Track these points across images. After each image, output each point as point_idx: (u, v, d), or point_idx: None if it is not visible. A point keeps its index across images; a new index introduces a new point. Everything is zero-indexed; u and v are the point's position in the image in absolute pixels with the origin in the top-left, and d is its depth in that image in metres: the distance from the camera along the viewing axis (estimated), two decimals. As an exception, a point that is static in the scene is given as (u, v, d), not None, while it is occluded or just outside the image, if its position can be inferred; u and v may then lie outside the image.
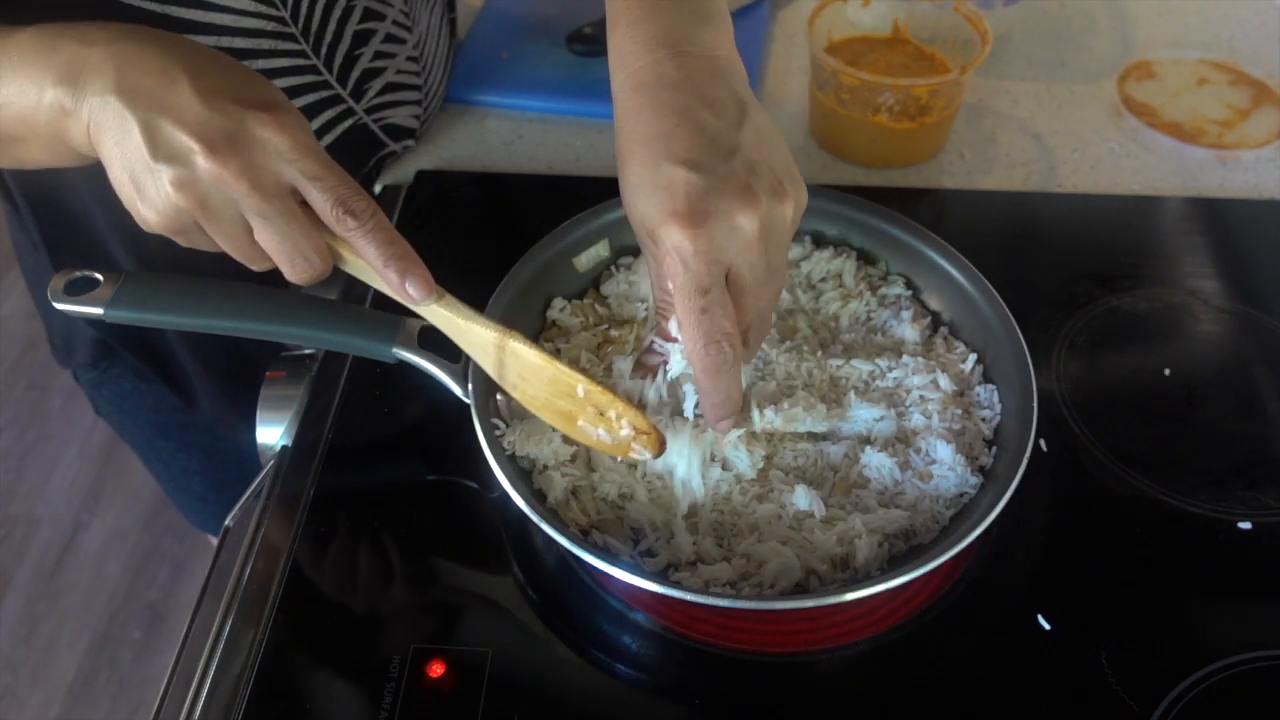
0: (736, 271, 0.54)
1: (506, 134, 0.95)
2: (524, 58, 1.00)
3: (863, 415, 0.65)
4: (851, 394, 0.66)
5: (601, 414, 0.59)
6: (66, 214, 0.79)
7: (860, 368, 0.68)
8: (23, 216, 0.82)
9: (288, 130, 0.50)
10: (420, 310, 0.58)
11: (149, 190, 0.50)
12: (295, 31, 0.73)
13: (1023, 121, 0.96)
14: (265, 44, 0.72)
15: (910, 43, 0.93)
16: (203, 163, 0.49)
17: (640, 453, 0.59)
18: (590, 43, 0.99)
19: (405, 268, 0.54)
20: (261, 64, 0.72)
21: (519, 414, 0.64)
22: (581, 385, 0.59)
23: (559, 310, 0.72)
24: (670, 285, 0.54)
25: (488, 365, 0.61)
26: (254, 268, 0.54)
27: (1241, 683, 0.58)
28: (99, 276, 0.59)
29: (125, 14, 0.65)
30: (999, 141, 0.94)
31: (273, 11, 0.71)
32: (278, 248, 0.52)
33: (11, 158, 0.57)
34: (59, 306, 0.59)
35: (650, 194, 0.53)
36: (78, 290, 0.59)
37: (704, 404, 0.57)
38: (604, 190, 0.75)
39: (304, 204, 0.53)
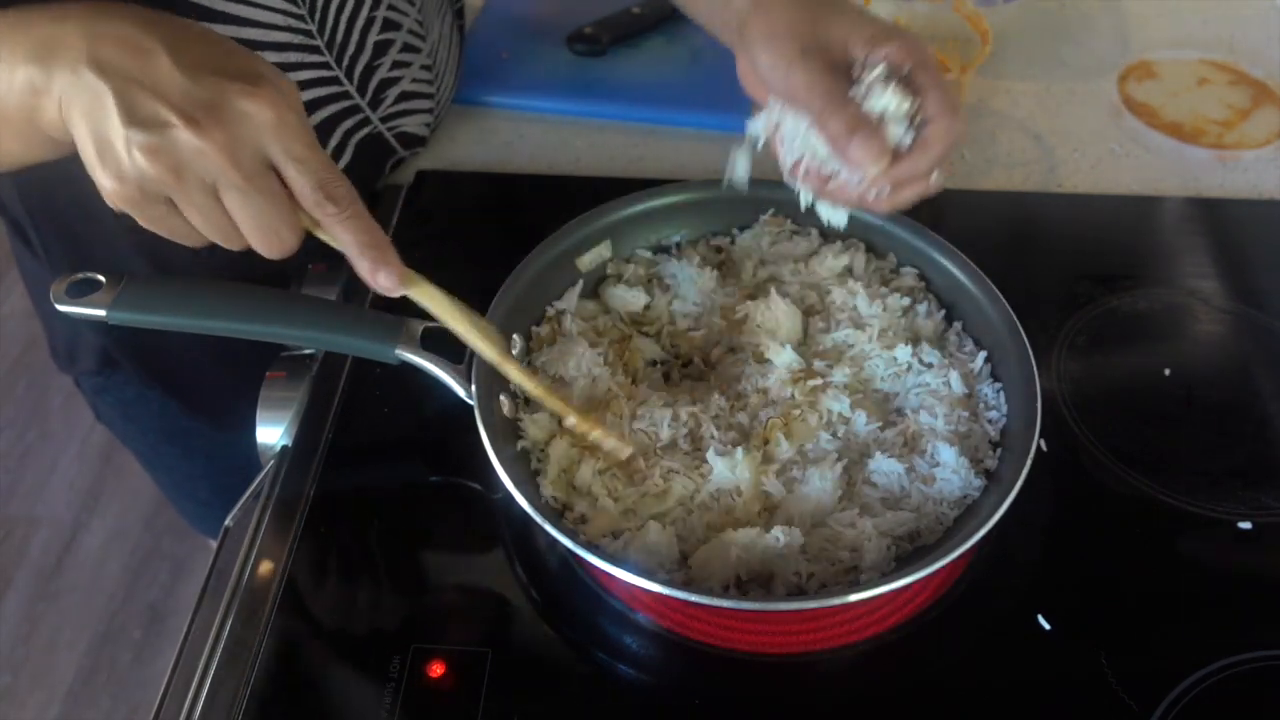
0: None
1: (507, 134, 0.95)
2: (524, 58, 1.00)
3: (868, 427, 0.65)
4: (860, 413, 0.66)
5: None
6: (72, 225, 0.79)
7: (879, 360, 0.67)
8: (23, 228, 0.81)
9: (272, 104, 0.49)
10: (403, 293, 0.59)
11: (117, 156, 0.48)
12: (320, 44, 0.74)
13: (1023, 121, 0.96)
14: (293, 56, 0.73)
15: (910, 43, 0.93)
16: (181, 133, 0.47)
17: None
18: (590, 43, 0.99)
19: (378, 257, 0.54)
20: (290, 76, 0.72)
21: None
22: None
23: (567, 309, 0.72)
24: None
25: (491, 354, 0.61)
26: (225, 245, 0.53)
27: (1241, 683, 0.58)
28: (101, 279, 0.59)
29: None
30: (999, 141, 0.94)
31: (301, 25, 0.72)
32: (251, 223, 0.51)
33: None
34: (62, 309, 0.59)
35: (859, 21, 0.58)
36: (80, 293, 0.59)
37: (911, 163, 0.58)
38: (605, 190, 0.76)
39: (281, 181, 0.52)
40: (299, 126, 0.50)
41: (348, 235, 0.53)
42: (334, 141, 0.79)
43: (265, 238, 0.52)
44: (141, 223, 0.52)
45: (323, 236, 0.55)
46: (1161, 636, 0.61)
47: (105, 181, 0.50)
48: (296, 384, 0.74)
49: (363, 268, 0.54)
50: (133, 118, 0.48)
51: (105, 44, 0.48)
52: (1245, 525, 0.65)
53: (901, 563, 0.59)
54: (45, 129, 0.51)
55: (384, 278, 0.54)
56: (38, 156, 0.55)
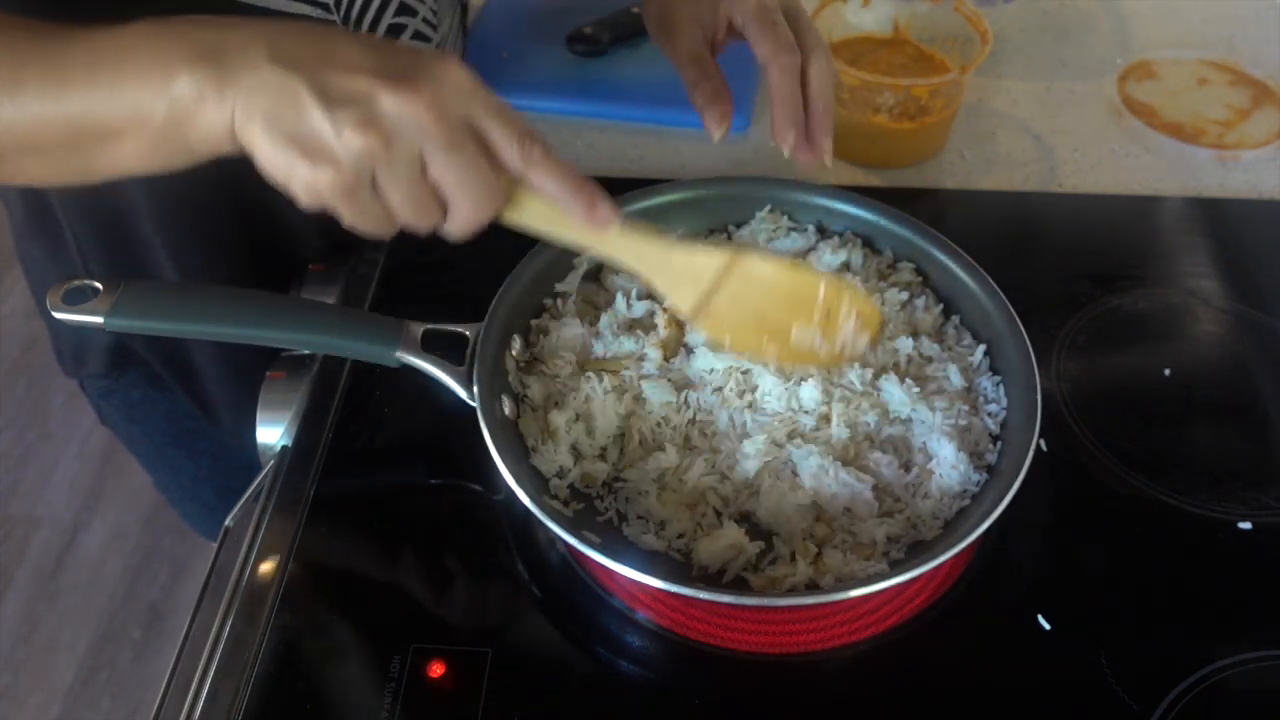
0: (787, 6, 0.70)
1: (506, 134, 0.95)
2: (524, 58, 1.00)
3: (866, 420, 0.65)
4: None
5: (829, 314, 0.61)
6: (114, 226, 0.78)
7: (881, 351, 0.67)
8: (64, 236, 0.80)
9: (462, 69, 0.49)
10: (605, 246, 0.58)
11: (323, 144, 0.47)
12: (336, 20, 0.73)
13: (1023, 121, 0.96)
14: None
15: (910, 43, 0.93)
16: (388, 98, 0.47)
17: (856, 346, 0.63)
18: (590, 43, 0.99)
19: (591, 194, 0.54)
20: None
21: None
22: (823, 283, 0.61)
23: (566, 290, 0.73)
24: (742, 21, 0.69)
25: (687, 297, 0.61)
26: (420, 224, 0.52)
27: (1241, 683, 0.58)
28: (98, 285, 0.59)
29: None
30: (999, 141, 0.94)
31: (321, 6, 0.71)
32: (458, 187, 0.50)
33: (87, 165, 0.52)
34: (59, 316, 0.59)
35: None
36: (76, 300, 0.59)
37: (777, 113, 0.67)
38: (605, 190, 0.75)
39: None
40: (487, 88, 0.50)
41: (554, 180, 0.53)
42: None
43: (473, 201, 0.51)
44: (347, 216, 0.50)
45: (513, 214, 0.55)
46: (1161, 636, 0.61)
47: (309, 175, 0.48)
48: (296, 384, 0.74)
49: (578, 209, 0.54)
50: (333, 100, 0.47)
51: (285, 41, 0.47)
52: (1245, 525, 0.65)
53: (907, 556, 0.59)
54: (192, 138, 0.49)
55: (603, 210, 0.54)
56: (154, 168, 0.52)
